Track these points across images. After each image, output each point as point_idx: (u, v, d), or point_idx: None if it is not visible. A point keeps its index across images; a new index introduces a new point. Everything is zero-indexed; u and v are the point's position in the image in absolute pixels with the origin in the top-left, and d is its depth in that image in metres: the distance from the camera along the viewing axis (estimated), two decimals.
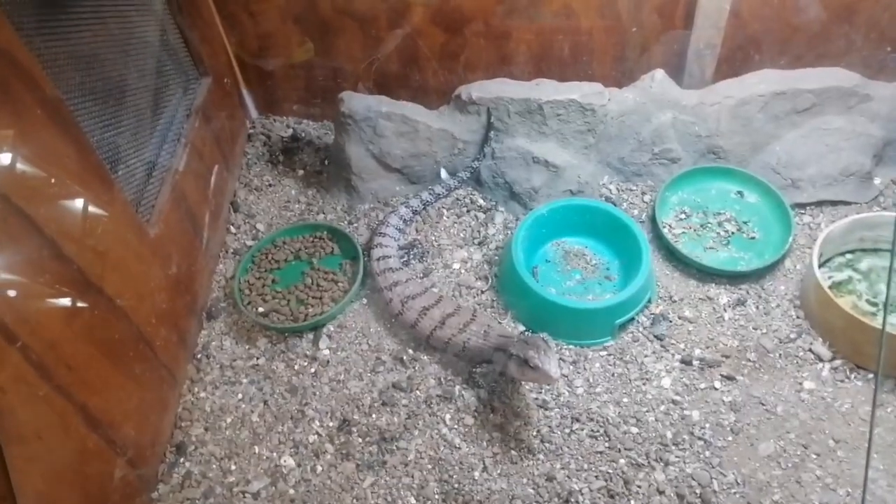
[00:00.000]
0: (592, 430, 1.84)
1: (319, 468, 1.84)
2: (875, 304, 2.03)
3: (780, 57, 2.42)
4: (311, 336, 2.15)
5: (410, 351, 2.08)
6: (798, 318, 2.06)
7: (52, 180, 1.45)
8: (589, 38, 2.46)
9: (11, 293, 1.30)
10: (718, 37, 2.35)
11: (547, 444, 1.82)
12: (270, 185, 2.73)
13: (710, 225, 2.33)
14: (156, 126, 2.17)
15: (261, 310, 2.19)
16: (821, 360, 1.95)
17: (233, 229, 2.54)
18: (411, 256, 2.33)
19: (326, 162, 2.77)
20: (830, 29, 2.32)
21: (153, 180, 2.05)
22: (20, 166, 1.35)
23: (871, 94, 2.32)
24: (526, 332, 2.07)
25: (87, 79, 1.78)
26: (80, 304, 1.51)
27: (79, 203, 1.55)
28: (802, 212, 2.37)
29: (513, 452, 1.82)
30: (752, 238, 2.28)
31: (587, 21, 2.41)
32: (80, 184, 1.55)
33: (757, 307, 2.11)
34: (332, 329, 2.16)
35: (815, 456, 1.75)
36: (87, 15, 1.83)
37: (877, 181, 2.40)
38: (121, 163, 1.89)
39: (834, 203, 2.36)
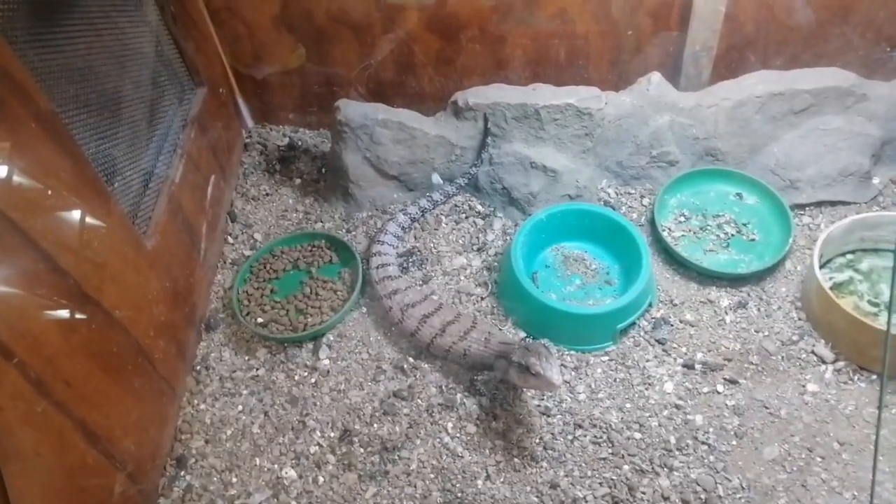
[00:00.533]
0: (595, 437, 1.83)
1: (321, 479, 1.82)
2: (877, 305, 2.03)
3: (777, 58, 2.42)
4: (310, 346, 2.14)
5: (411, 359, 2.07)
6: (800, 319, 2.05)
7: (48, 193, 1.44)
8: (585, 41, 2.46)
9: (7, 308, 1.28)
10: (714, 38, 2.35)
11: (550, 452, 1.81)
12: (267, 195, 2.72)
13: (709, 227, 2.32)
14: (151, 137, 2.16)
15: (260, 320, 2.18)
16: (823, 361, 1.94)
17: (230, 239, 2.53)
18: (410, 264, 2.32)
19: (323, 170, 2.76)
20: (826, 29, 2.32)
21: (149, 192, 2.05)
22: (15, 180, 1.34)
23: (868, 94, 2.32)
24: (527, 339, 2.07)
25: (81, 91, 1.77)
26: (77, 318, 1.49)
27: (75, 216, 1.53)
28: (802, 213, 2.36)
29: (516, 460, 1.80)
30: (752, 240, 2.27)
31: (582, 25, 2.41)
32: (76, 196, 1.54)
33: (758, 309, 2.10)
34: (331, 338, 2.15)
35: (820, 459, 1.74)
36: (80, 27, 1.81)
37: (875, 181, 2.39)
38: (117, 175, 1.88)
39: (833, 203, 2.36)
